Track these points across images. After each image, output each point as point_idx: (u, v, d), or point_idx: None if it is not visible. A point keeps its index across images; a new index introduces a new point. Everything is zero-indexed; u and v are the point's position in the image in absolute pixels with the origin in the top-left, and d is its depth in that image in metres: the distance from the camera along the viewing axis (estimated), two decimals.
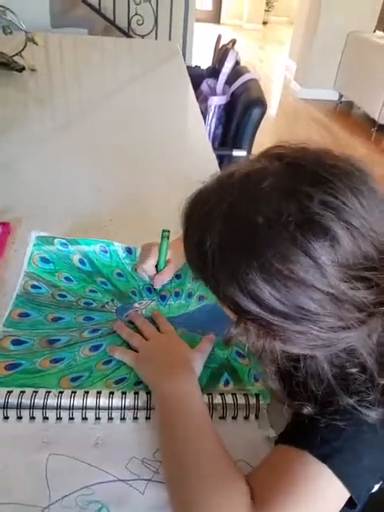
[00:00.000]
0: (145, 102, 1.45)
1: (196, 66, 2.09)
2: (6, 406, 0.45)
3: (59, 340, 0.53)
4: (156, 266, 0.60)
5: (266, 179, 0.33)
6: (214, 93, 1.61)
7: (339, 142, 3.40)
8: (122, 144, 1.11)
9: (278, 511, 0.36)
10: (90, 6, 2.85)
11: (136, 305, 0.59)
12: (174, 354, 0.50)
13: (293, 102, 4.16)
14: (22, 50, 1.41)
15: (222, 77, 1.61)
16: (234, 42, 2.03)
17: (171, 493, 0.40)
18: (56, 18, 2.75)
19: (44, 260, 0.63)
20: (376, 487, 0.57)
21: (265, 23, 7.30)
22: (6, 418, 0.45)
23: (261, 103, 1.41)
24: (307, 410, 0.38)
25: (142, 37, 3.07)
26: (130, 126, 1.24)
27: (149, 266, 0.60)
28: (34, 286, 0.60)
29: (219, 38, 2.07)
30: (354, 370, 0.37)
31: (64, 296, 0.59)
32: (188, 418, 0.42)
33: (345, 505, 0.38)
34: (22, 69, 1.40)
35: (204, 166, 1.05)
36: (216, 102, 1.52)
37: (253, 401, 0.48)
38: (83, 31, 2.75)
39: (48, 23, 2.71)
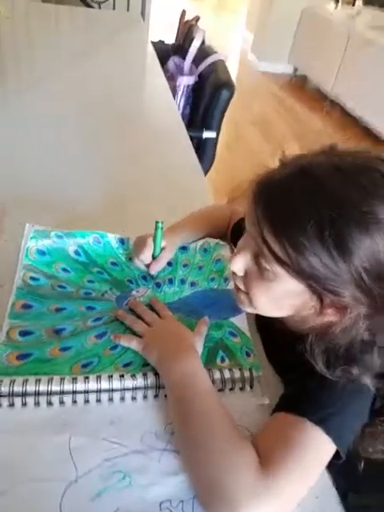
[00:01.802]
0: (110, 77, 1.43)
1: (160, 41, 2.06)
2: (23, 394, 0.49)
3: (65, 329, 0.56)
4: (152, 255, 0.64)
5: None
6: (181, 72, 1.62)
7: (298, 116, 3.48)
8: (90, 123, 1.11)
9: (281, 470, 0.42)
10: None
11: (134, 292, 0.63)
12: (178, 337, 0.55)
13: (251, 75, 4.18)
14: None
15: (190, 56, 1.61)
16: (197, 18, 2.01)
17: (188, 458, 0.45)
18: None
19: (40, 252, 0.65)
20: None
21: None
22: (24, 404, 0.49)
23: (229, 86, 1.44)
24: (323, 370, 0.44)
25: (100, 5, 2.96)
26: (94, 102, 1.22)
27: (146, 257, 0.64)
28: (32, 278, 0.62)
29: (183, 13, 2.04)
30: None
31: (63, 287, 0.62)
32: (198, 394, 0.48)
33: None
34: None
35: (182, 151, 1.08)
36: (185, 81, 1.52)
37: (247, 374, 0.54)
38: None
39: None
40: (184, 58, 1.63)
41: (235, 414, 0.49)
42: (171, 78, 1.60)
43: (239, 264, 0.49)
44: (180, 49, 1.81)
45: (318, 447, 0.44)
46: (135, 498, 0.43)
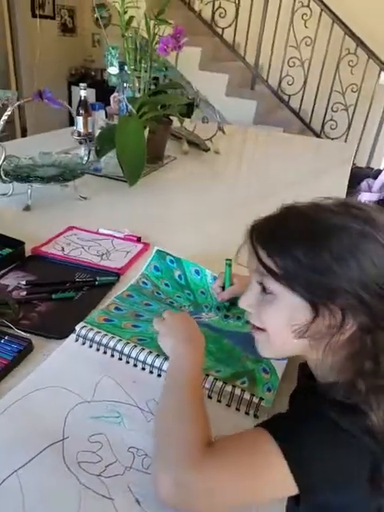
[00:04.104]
0: (302, 195, 1.64)
1: (367, 167, 2.23)
2: (93, 340, 0.68)
3: (143, 316, 0.74)
4: (223, 287, 0.78)
5: None
6: (369, 190, 1.73)
7: None
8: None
9: (220, 458, 0.44)
10: (290, 109, 3.30)
11: (203, 314, 0.77)
12: (190, 329, 0.63)
13: None
14: (213, 136, 1.82)
15: (382, 176, 1.72)
16: None
17: (157, 417, 0.54)
18: (259, 116, 3.27)
19: (156, 268, 0.87)
20: None
21: None
22: (90, 346, 0.67)
23: None
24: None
25: (332, 139, 3.35)
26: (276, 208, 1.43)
27: (215, 285, 0.79)
28: (143, 282, 0.84)
29: None
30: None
31: (159, 294, 0.82)
32: (187, 378, 0.55)
33: (293, 500, 0.44)
34: (207, 150, 1.79)
35: None
36: (366, 197, 1.63)
37: (255, 400, 0.59)
38: (279, 129, 3.19)
39: (251, 120, 3.25)
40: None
41: (229, 429, 0.51)
42: (358, 195, 1.72)
43: (246, 300, 0.55)
44: (380, 173, 1.93)
45: (265, 457, 0.44)
46: (117, 433, 0.54)
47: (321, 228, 0.47)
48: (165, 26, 1.48)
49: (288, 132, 3.16)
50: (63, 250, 0.95)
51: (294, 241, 0.48)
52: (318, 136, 3.40)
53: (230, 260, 0.78)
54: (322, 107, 3.39)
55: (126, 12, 1.43)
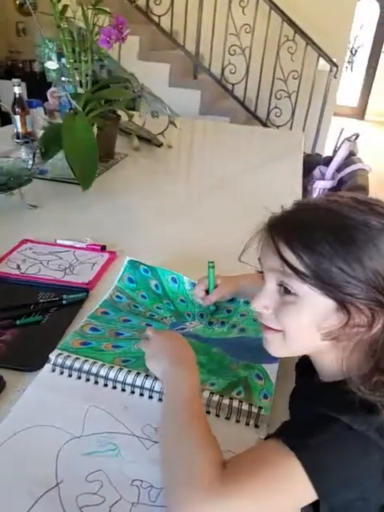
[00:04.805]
0: (257, 185, 1.63)
1: (316, 154, 2.27)
2: (70, 368, 0.62)
3: (123, 334, 0.70)
4: (207, 291, 0.76)
5: None
6: (322, 178, 1.76)
7: None
8: (227, 216, 1.29)
9: (237, 485, 0.42)
10: (235, 98, 3.31)
11: (187, 324, 0.74)
12: (181, 344, 0.60)
13: None
14: (164, 130, 1.77)
15: (333, 164, 1.76)
16: (357, 135, 2.18)
17: (162, 448, 0.51)
18: (205, 106, 3.25)
19: (130, 280, 0.83)
20: None
21: None
22: (70, 375, 0.62)
23: (363, 190, 1.51)
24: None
25: (278, 127, 3.40)
26: (238, 203, 1.40)
27: (198, 291, 0.76)
28: (117, 297, 0.79)
29: (341, 131, 2.24)
30: None
31: (137, 307, 0.77)
32: (187, 402, 0.52)
33: (312, 507, 0.43)
34: (160, 145, 1.74)
35: None
36: (321, 185, 1.66)
37: (254, 410, 0.57)
38: (226, 119, 3.19)
39: (197, 111, 3.22)
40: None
41: (232, 443, 0.51)
42: (312, 184, 1.75)
43: (261, 301, 0.51)
44: (330, 159, 1.97)
45: (286, 471, 0.42)
46: (115, 467, 0.51)
47: (350, 225, 0.45)
48: (105, 16, 1.40)
49: (235, 122, 3.17)
50: (19, 267, 0.87)
51: (323, 239, 0.45)
52: (265, 124, 3.44)
53: (213, 262, 0.75)
54: (266, 95, 3.43)
55: (59, 0, 1.33)
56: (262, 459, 0.44)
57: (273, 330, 0.52)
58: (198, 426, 0.49)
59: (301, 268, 0.46)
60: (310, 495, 0.42)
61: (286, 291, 0.49)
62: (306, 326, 0.48)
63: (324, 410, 0.44)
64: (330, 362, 0.50)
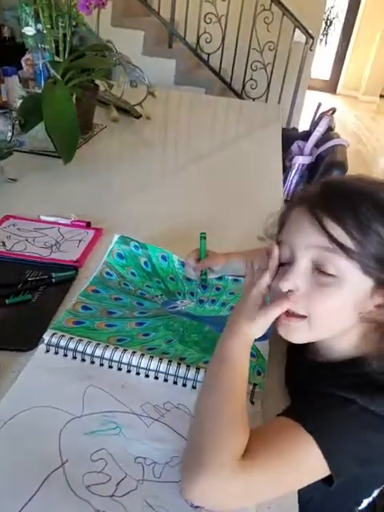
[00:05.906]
0: (236, 158, 1.64)
1: (293, 128, 2.27)
2: (66, 347, 0.62)
3: (115, 313, 0.69)
4: (198, 260, 0.77)
5: None
6: (301, 153, 1.77)
7: None
8: (208, 189, 1.29)
9: (260, 467, 0.43)
10: (211, 68, 3.24)
11: (178, 302, 0.74)
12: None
13: None
14: (143, 100, 1.72)
15: (312, 139, 1.76)
16: (333, 110, 2.19)
17: (194, 422, 0.50)
18: (180, 76, 3.17)
19: (119, 255, 0.82)
20: (375, 493, 0.62)
21: (382, 96, 7.37)
22: (65, 355, 0.62)
23: (342, 166, 1.53)
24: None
25: (253, 99, 3.36)
26: (218, 176, 1.41)
27: (190, 260, 0.76)
28: (107, 273, 0.78)
29: (319, 105, 2.24)
30: None
31: (127, 285, 0.77)
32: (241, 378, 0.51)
33: (323, 481, 0.45)
34: (139, 116, 1.70)
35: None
36: (300, 160, 1.67)
37: (249, 387, 0.59)
38: (201, 90, 3.12)
39: (172, 80, 3.14)
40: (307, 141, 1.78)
41: None
42: (291, 159, 1.76)
43: (292, 278, 0.47)
44: (308, 134, 1.98)
45: (305, 454, 0.44)
46: (118, 446, 0.51)
47: None
48: None
49: (210, 93, 3.11)
50: (4, 244, 0.85)
51: (373, 216, 0.44)
52: (240, 96, 3.39)
53: (205, 233, 0.77)
54: (242, 66, 3.37)
55: None
56: (280, 442, 0.45)
57: (296, 317, 0.49)
58: (242, 403, 0.49)
59: (349, 244, 0.44)
60: (325, 472, 0.44)
61: (321, 272, 0.46)
62: (342, 307, 0.47)
63: (340, 392, 0.45)
64: (344, 342, 0.51)
